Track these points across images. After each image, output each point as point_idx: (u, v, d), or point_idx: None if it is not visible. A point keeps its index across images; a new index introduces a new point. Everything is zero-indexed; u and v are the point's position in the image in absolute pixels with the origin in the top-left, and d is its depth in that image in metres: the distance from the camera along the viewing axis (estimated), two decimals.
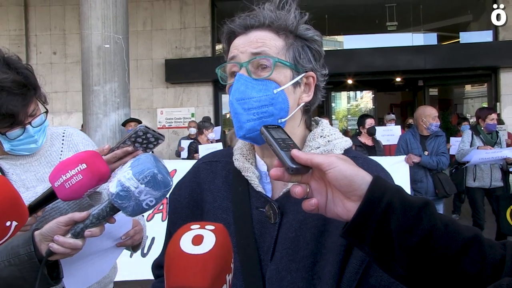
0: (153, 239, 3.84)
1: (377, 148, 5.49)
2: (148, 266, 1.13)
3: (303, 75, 0.94)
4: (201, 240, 0.65)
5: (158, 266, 1.13)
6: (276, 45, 0.91)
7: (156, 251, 3.73)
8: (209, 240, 0.65)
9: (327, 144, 0.96)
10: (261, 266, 0.91)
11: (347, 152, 0.97)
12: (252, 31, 0.93)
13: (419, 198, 0.70)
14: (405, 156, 4.57)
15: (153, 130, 1.14)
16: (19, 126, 1.33)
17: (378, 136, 6.97)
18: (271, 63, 0.90)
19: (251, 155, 1.00)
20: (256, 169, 0.98)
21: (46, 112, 1.42)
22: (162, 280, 1.09)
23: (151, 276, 1.14)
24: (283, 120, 0.91)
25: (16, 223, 0.99)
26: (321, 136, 0.97)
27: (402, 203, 0.67)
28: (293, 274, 0.87)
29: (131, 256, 3.61)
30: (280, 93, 0.90)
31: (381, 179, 0.69)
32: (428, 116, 4.69)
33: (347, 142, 0.99)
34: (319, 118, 1.04)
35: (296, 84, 0.93)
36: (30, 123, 1.35)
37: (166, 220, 4.01)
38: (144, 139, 1.15)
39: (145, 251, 3.84)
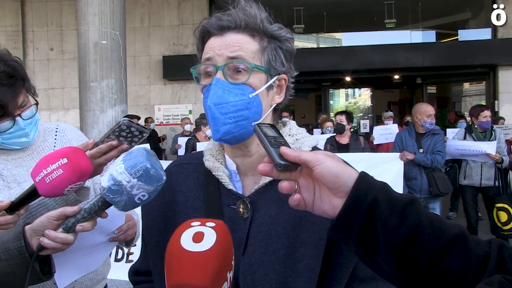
0: None
1: (353, 146, 5.36)
2: None
3: (275, 78, 0.96)
4: (201, 237, 0.65)
5: (136, 272, 1.12)
6: (251, 49, 0.93)
7: None
8: (210, 237, 0.65)
9: (295, 142, 1.00)
10: None
11: (314, 150, 1.00)
12: (228, 33, 0.93)
13: (405, 195, 0.71)
14: (399, 153, 4.54)
15: (137, 124, 1.13)
16: (9, 117, 1.31)
17: (376, 135, 6.96)
18: (247, 68, 0.92)
19: (220, 155, 1.03)
20: (226, 169, 1.00)
21: (36, 104, 1.40)
22: (142, 287, 1.09)
23: None
24: (256, 123, 0.93)
25: None
26: (289, 135, 1.01)
27: (388, 200, 0.68)
28: (265, 266, 0.89)
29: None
30: (255, 97, 0.93)
31: (367, 176, 0.70)
32: (423, 114, 4.61)
33: (314, 141, 1.03)
34: (286, 119, 1.07)
35: (270, 87, 0.96)
36: (20, 115, 1.33)
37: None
38: (128, 133, 1.13)
39: None
